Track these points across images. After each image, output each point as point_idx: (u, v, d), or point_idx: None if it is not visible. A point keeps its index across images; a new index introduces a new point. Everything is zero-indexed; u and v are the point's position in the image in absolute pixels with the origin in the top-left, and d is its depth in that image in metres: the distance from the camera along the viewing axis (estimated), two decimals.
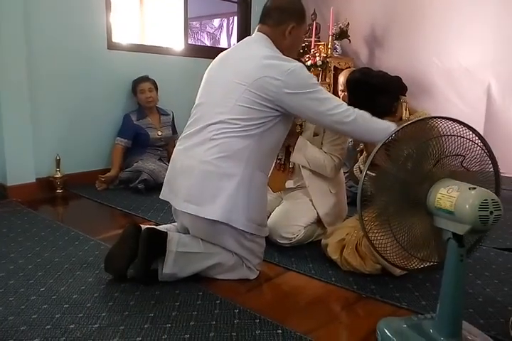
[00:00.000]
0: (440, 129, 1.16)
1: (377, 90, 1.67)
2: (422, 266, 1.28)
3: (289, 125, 1.67)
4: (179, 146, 1.66)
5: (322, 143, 2.01)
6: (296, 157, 1.98)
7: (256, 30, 1.67)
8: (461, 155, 1.12)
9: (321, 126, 1.86)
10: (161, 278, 1.55)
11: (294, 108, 1.52)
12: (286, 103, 1.50)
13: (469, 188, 1.07)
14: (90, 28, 3.03)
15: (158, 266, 1.55)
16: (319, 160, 1.97)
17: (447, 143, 1.14)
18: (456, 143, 1.13)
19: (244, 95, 1.49)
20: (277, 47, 1.61)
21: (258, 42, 1.62)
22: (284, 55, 1.59)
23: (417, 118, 1.17)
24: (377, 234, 1.23)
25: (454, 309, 1.15)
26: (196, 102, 1.68)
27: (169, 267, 1.53)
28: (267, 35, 1.61)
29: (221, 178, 1.50)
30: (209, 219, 1.51)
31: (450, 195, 1.09)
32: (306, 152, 1.97)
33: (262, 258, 1.70)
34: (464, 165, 1.14)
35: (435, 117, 1.18)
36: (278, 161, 2.13)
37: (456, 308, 1.15)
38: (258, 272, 1.68)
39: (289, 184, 2.09)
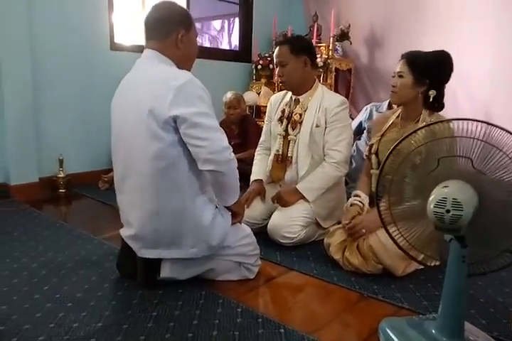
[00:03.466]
0: (455, 131, 1.14)
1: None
2: (432, 263, 1.29)
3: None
4: (118, 192, 1.59)
5: (324, 138, 2.03)
6: (311, 197, 2.01)
7: (145, 47, 1.55)
8: (466, 157, 1.12)
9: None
10: (161, 278, 1.55)
11: None
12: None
13: (443, 186, 1.09)
14: (93, 29, 3.04)
15: (157, 269, 1.54)
16: (325, 178, 2.01)
17: (451, 144, 1.14)
18: (465, 145, 1.12)
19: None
20: (172, 60, 1.52)
21: (151, 62, 1.51)
22: (179, 67, 1.51)
23: (449, 118, 1.17)
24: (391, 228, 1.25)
25: (456, 309, 1.15)
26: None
27: (166, 272, 1.53)
28: (157, 51, 1.50)
29: (171, 218, 1.47)
30: None
31: (433, 193, 1.11)
32: (314, 190, 2.01)
33: (257, 254, 1.69)
34: (477, 167, 1.12)
35: (466, 119, 1.13)
36: (276, 153, 2.16)
37: (458, 309, 1.15)
38: (257, 269, 1.68)
39: (289, 176, 2.12)
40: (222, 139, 1.44)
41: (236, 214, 1.63)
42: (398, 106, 1.90)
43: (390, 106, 2.98)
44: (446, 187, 1.09)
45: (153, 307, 1.43)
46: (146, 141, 1.42)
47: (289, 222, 1.95)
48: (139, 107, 1.42)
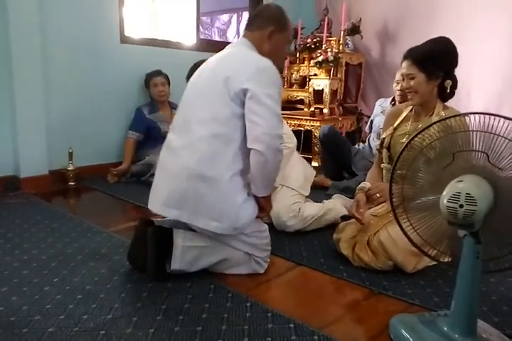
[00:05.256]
0: (471, 125, 1.12)
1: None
2: (444, 259, 1.27)
3: None
4: (165, 148, 1.64)
5: None
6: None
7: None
8: (482, 152, 1.10)
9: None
10: (172, 271, 1.55)
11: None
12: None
13: (457, 181, 1.08)
14: (103, 22, 3.03)
15: (167, 262, 1.55)
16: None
17: (466, 139, 1.12)
18: (480, 139, 1.09)
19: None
20: (259, 53, 1.63)
21: (240, 46, 1.66)
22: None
23: (462, 113, 1.15)
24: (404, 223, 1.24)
25: (468, 306, 1.14)
26: (182, 103, 1.66)
27: (177, 263, 1.53)
28: (248, 40, 1.65)
29: (205, 184, 1.49)
30: None
31: (447, 188, 1.09)
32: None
33: (269, 251, 1.70)
34: (493, 162, 1.09)
35: (481, 113, 1.11)
36: None
37: (471, 305, 1.14)
38: (267, 265, 1.68)
39: None
40: (279, 126, 1.49)
41: (262, 208, 1.63)
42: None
43: (393, 102, 2.96)
44: (460, 181, 1.07)
45: (162, 300, 1.43)
46: (213, 103, 1.51)
47: (285, 206, 2.03)
48: (217, 74, 1.52)
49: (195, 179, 1.49)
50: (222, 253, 1.59)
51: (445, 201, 1.07)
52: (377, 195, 1.74)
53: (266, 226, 1.70)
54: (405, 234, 1.24)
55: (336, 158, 3.03)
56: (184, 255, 1.53)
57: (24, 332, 1.24)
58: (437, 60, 1.67)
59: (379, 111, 3.06)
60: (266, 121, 1.45)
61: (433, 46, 1.70)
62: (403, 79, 1.76)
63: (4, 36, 2.52)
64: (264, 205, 1.64)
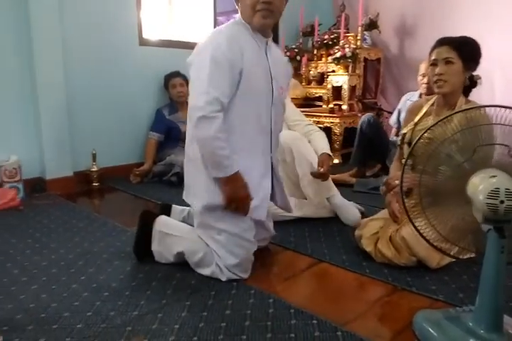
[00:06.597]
0: (493, 118, 1.10)
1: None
2: (465, 256, 1.24)
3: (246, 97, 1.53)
4: None
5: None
6: None
7: None
8: (505, 145, 1.08)
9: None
10: (155, 256, 1.70)
11: None
12: None
13: (490, 176, 1.05)
14: (122, 25, 3.09)
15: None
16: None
17: (488, 132, 1.10)
18: (503, 133, 1.07)
19: None
20: (242, 17, 1.56)
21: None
22: (249, 22, 1.54)
23: (479, 105, 1.13)
24: (420, 222, 1.21)
25: (494, 301, 1.12)
26: None
27: (155, 245, 1.69)
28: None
29: (190, 163, 1.63)
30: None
31: (475, 183, 1.07)
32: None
33: (239, 266, 1.55)
34: None
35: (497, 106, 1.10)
36: None
37: (496, 301, 1.12)
38: (231, 275, 1.54)
39: None
40: (196, 96, 1.46)
41: (224, 194, 1.51)
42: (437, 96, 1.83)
43: (420, 97, 2.93)
44: (494, 177, 1.04)
45: (186, 296, 1.45)
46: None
47: None
48: None
49: (187, 165, 1.65)
50: (189, 246, 1.61)
51: (483, 197, 1.03)
52: (396, 181, 1.70)
53: (249, 238, 1.57)
54: (418, 231, 1.21)
55: (370, 148, 2.99)
56: (161, 239, 1.68)
57: (54, 328, 1.28)
58: (473, 50, 1.64)
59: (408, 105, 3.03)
60: (190, 94, 1.51)
61: (467, 38, 1.67)
62: (434, 65, 1.66)
63: (26, 41, 2.59)
64: (223, 190, 1.50)
